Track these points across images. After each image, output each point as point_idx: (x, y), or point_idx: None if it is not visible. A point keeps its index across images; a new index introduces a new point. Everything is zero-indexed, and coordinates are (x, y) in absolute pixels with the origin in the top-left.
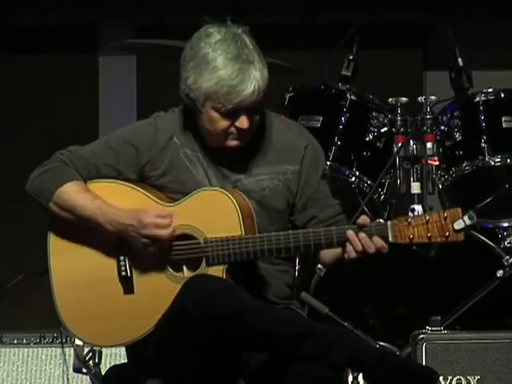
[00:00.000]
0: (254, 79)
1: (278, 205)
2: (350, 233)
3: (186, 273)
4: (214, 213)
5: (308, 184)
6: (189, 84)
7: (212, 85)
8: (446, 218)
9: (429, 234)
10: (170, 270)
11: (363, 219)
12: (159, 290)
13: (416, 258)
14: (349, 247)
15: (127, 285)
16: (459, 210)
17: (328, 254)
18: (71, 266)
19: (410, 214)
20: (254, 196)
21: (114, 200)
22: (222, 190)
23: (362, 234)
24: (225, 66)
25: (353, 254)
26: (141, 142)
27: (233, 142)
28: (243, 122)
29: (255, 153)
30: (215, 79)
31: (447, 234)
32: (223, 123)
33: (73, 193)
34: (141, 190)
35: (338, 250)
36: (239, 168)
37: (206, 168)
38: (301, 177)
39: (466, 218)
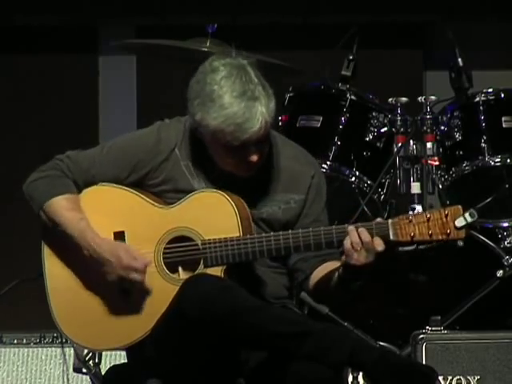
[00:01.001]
0: (261, 115)
1: (274, 226)
2: (351, 227)
3: (183, 274)
4: (211, 214)
5: (310, 213)
6: (196, 120)
7: (219, 123)
8: (447, 216)
9: (430, 232)
10: (167, 271)
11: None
12: (156, 291)
13: (416, 258)
14: (347, 244)
15: (123, 288)
16: (460, 207)
17: (321, 278)
18: (66, 270)
19: (411, 212)
20: (252, 216)
21: (110, 203)
22: (219, 191)
23: (362, 229)
24: (231, 104)
25: (351, 251)
26: (142, 152)
27: (241, 173)
28: (253, 158)
29: (261, 177)
30: (222, 118)
31: (448, 231)
32: (231, 158)
33: (61, 209)
34: (137, 193)
35: (335, 267)
36: (242, 189)
37: (207, 183)
38: (305, 205)
39: (467, 215)
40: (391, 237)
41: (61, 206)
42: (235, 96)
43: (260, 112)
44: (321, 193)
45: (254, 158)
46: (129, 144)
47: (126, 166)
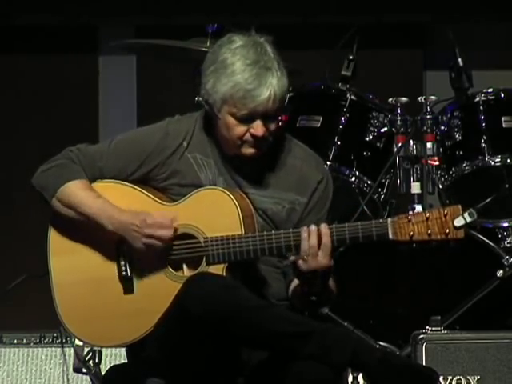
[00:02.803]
0: (271, 85)
1: (276, 228)
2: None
3: (186, 272)
4: (214, 212)
5: (309, 218)
6: (207, 88)
7: (228, 88)
8: (446, 215)
9: (429, 231)
10: (170, 269)
11: None
12: (159, 289)
13: (416, 258)
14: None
15: (127, 284)
16: (459, 207)
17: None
18: (71, 265)
19: (411, 211)
20: (256, 208)
21: (115, 199)
22: (222, 189)
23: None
24: (242, 70)
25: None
26: (150, 147)
27: (248, 150)
28: (258, 129)
29: (268, 173)
30: (232, 83)
31: (447, 231)
32: (239, 129)
33: (76, 190)
34: (141, 190)
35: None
36: (249, 183)
37: (215, 175)
38: (306, 208)
39: (466, 215)
40: (390, 236)
41: (76, 187)
42: (247, 63)
43: (270, 82)
44: (325, 201)
45: (260, 130)
46: (137, 138)
47: (133, 160)
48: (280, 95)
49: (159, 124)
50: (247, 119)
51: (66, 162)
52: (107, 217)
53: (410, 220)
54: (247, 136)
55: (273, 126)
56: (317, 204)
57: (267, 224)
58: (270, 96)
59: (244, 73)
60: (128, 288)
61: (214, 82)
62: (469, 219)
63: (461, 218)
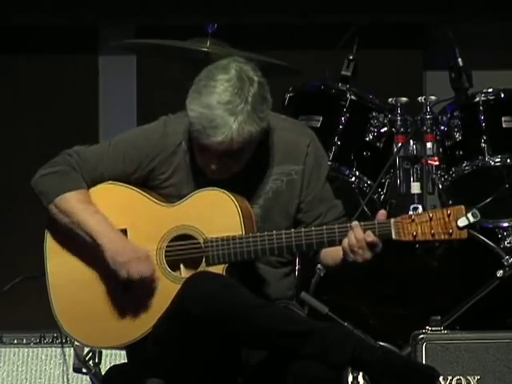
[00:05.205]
0: (229, 130)
1: (282, 206)
2: (352, 226)
3: (186, 273)
4: (214, 213)
5: (312, 182)
6: (186, 103)
7: (192, 116)
8: (449, 216)
9: (432, 231)
10: (169, 269)
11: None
12: (158, 290)
13: (416, 258)
14: (344, 243)
15: (125, 286)
16: (463, 207)
17: (329, 255)
18: (68, 267)
19: (413, 211)
20: (258, 201)
21: (115, 201)
22: (222, 190)
23: (358, 229)
24: (209, 106)
25: (347, 250)
26: (149, 147)
27: (212, 175)
28: (211, 165)
29: (262, 155)
30: (196, 113)
31: (450, 231)
32: (199, 157)
33: (74, 202)
34: (140, 191)
35: (339, 252)
36: (241, 173)
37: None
38: (304, 175)
39: (469, 215)
40: (393, 236)
41: (75, 199)
42: (218, 101)
43: (229, 127)
44: (320, 162)
45: (212, 166)
46: (135, 139)
47: (132, 161)
48: (238, 140)
49: (156, 123)
50: (203, 150)
51: (66, 169)
52: (102, 239)
53: (413, 220)
54: (205, 163)
55: (232, 163)
56: (314, 167)
57: (269, 214)
58: (223, 140)
59: (209, 109)
60: (125, 289)
61: (188, 101)
62: (472, 219)
63: (464, 218)
